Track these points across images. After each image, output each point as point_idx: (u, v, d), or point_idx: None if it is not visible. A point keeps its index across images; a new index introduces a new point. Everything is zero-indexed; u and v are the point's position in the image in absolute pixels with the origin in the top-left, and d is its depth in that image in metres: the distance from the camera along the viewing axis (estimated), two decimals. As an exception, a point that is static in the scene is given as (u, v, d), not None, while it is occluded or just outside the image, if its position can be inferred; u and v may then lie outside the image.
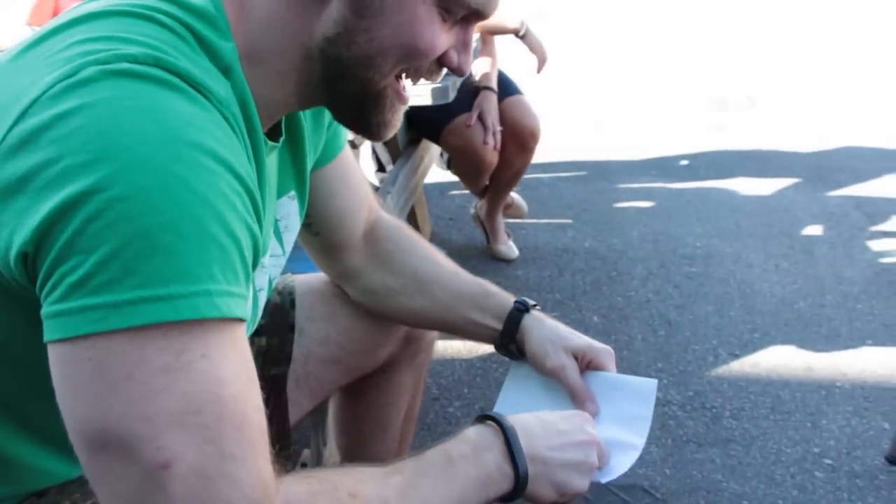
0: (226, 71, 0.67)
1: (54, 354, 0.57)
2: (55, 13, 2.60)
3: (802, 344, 2.25)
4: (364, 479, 0.69)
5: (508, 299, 1.04)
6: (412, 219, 2.67)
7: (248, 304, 0.66)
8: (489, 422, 0.81)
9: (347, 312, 1.11)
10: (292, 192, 0.90)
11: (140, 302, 0.55)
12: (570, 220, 3.12)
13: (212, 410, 0.56)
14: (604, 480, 0.91)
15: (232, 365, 0.58)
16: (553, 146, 3.98)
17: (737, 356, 2.19)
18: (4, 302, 0.63)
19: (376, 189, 2.30)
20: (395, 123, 0.78)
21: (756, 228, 3.01)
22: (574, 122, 4.46)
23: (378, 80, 0.73)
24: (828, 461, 1.80)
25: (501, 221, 2.82)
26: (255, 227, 0.64)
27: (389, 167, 2.63)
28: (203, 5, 0.68)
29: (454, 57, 0.75)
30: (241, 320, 0.61)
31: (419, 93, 1.84)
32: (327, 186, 0.99)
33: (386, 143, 2.61)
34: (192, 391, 0.56)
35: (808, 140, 4.00)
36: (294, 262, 1.09)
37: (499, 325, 1.03)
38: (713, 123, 4.36)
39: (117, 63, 0.59)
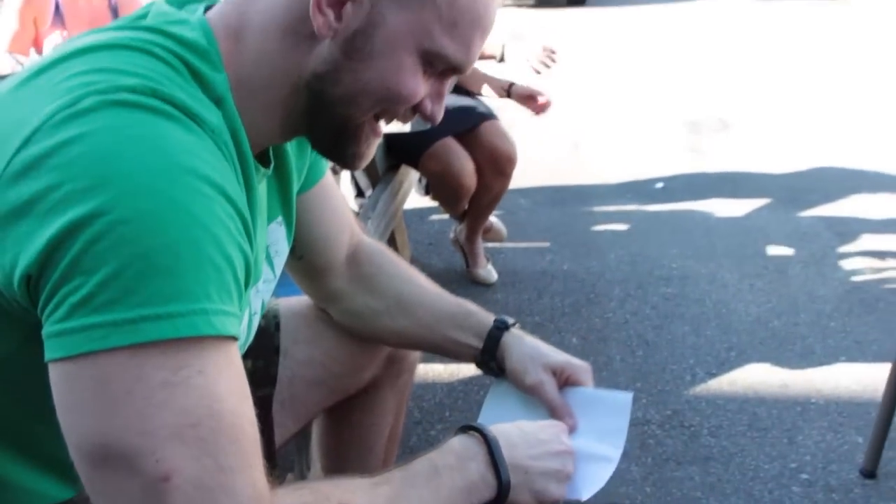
0: (218, 101, 0.70)
1: (56, 372, 0.59)
2: (36, 41, 2.62)
3: (778, 362, 2.29)
4: (353, 490, 0.71)
5: (489, 318, 1.07)
6: (392, 243, 2.69)
7: (242, 325, 0.68)
8: (472, 432, 0.84)
9: (331, 335, 1.13)
10: (280, 219, 0.93)
11: (140, 320, 0.57)
12: (548, 244, 3.16)
13: (208, 424, 0.59)
14: (584, 498, 0.93)
15: (227, 381, 0.61)
16: (530, 170, 4.04)
17: (714, 375, 2.23)
18: (2, 324, 0.65)
19: (356, 214, 2.33)
20: (369, 155, 0.82)
21: (730, 249, 3.06)
22: (551, 147, 4.52)
23: (357, 116, 0.77)
24: (804, 476, 1.83)
25: (481, 245, 2.86)
26: (248, 248, 0.67)
27: (369, 192, 2.66)
28: (195, 39, 0.71)
29: (428, 105, 0.79)
30: (235, 338, 0.63)
31: (398, 119, 1.87)
32: (310, 211, 1.02)
33: (365, 169, 2.64)
34: (190, 405, 0.58)
35: (780, 162, 4.09)
36: (278, 287, 1.11)
37: (479, 344, 1.06)
38: (687, 147, 4.44)
39: (116, 93, 0.61)
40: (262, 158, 0.82)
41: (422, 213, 3.49)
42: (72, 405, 0.59)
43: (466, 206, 2.73)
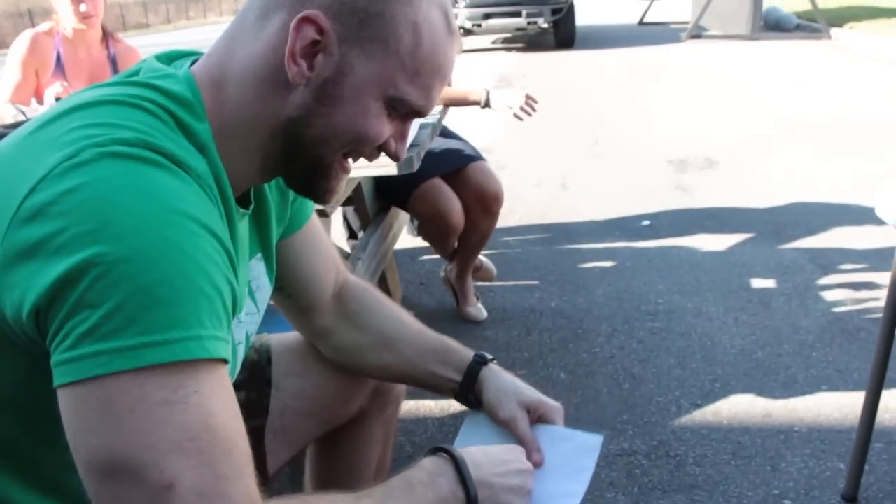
0: (202, 149, 0.77)
1: (65, 396, 0.65)
2: (37, 91, 2.72)
3: (761, 392, 2.34)
4: (339, 500, 0.77)
5: (468, 353, 1.14)
6: (383, 284, 2.76)
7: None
8: (442, 453, 0.90)
9: (321, 369, 1.19)
10: (259, 255, 0.99)
11: (141, 347, 0.63)
12: (536, 282, 3.23)
13: (205, 438, 0.64)
14: None
15: (219, 399, 0.67)
16: (520, 211, 4.13)
17: (699, 406, 2.27)
18: (11, 356, 0.71)
19: (347, 256, 2.40)
20: (339, 190, 0.89)
21: (715, 283, 3.13)
22: (540, 188, 4.61)
23: (328, 156, 0.84)
24: (787, 502, 1.87)
25: (471, 284, 2.92)
26: (234, 280, 0.73)
27: (361, 234, 2.73)
28: (181, 91, 0.78)
29: (392, 145, 0.87)
30: (226, 361, 0.69)
31: (386, 163, 1.94)
32: (296, 253, 1.09)
33: (357, 211, 2.72)
34: (188, 421, 0.64)
35: (764, 198, 4.18)
36: (272, 326, 1.18)
37: (459, 377, 1.12)
38: (673, 185, 4.53)
39: (112, 146, 0.68)
40: (244, 199, 0.90)
41: (413, 254, 3.56)
42: (80, 425, 0.65)
43: (456, 246, 2.80)
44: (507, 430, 1.09)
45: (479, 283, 3.08)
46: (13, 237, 0.66)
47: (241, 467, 0.67)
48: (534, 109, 2.74)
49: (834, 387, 2.35)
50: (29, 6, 33.24)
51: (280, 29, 0.79)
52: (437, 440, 2.16)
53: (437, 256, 3.15)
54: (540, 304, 3.01)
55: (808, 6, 12.07)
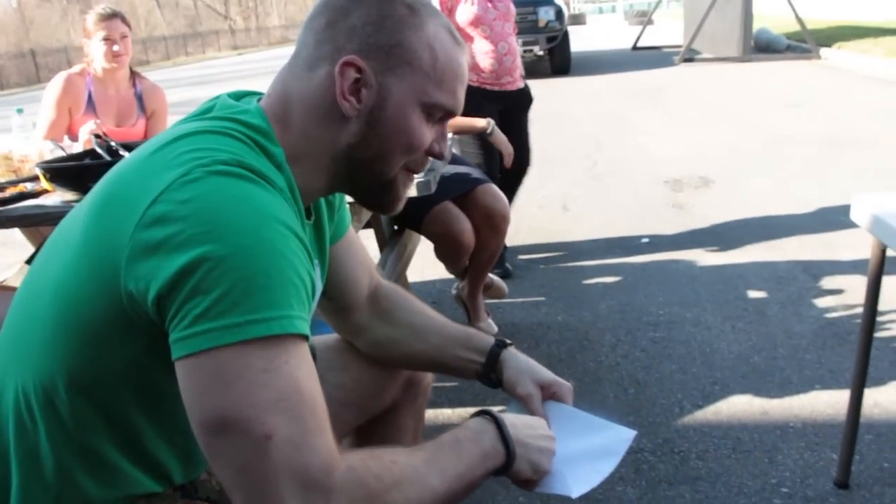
0: (279, 167, 0.94)
1: (182, 367, 0.80)
2: (70, 128, 2.89)
3: (758, 392, 2.48)
4: (399, 452, 0.92)
5: (489, 339, 1.29)
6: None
7: None
8: (485, 415, 1.04)
9: (358, 363, 1.35)
10: (316, 261, 1.15)
11: (245, 324, 0.78)
12: (543, 298, 3.39)
13: (295, 399, 0.80)
14: (574, 495, 1.08)
15: (304, 368, 0.82)
16: (524, 232, 4.29)
17: (700, 406, 2.42)
18: (131, 335, 0.86)
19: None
20: (405, 196, 1.06)
21: (713, 295, 3.28)
22: (542, 210, 4.78)
23: (389, 172, 1.01)
24: (784, 489, 2.01)
25: (481, 301, 3.07)
26: (313, 273, 0.89)
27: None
28: (259, 123, 0.95)
29: (436, 147, 1.04)
30: (308, 337, 0.85)
31: (403, 185, 2.11)
32: (337, 259, 1.25)
33: (375, 235, 2.89)
34: (282, 385, 0.79)
35: (757, 213, 4.34)
36: (316, 328, 1.33)
37: (482, 359, 1.27)
38: (670, 203, 4.70)
39: (214, 166, 0.84)
40: (307, 211, 1.06)
41: (425, 275, 3.72)
42: (195, 389, 0.79)
43: (467, 264, 2.96)
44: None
45: (488, 301, 3.23)
46: (139, 238, 0.81)
47: (323, 423, 0.82)
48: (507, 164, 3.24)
49: (827, 385, 2.49)
50: (31, 46, 33.68)
51: (327, 76, 0.97)
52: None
53: (449, 276, 3.30)
54: (547, 319, 3.16)
55: (797, 27, 12.34)
